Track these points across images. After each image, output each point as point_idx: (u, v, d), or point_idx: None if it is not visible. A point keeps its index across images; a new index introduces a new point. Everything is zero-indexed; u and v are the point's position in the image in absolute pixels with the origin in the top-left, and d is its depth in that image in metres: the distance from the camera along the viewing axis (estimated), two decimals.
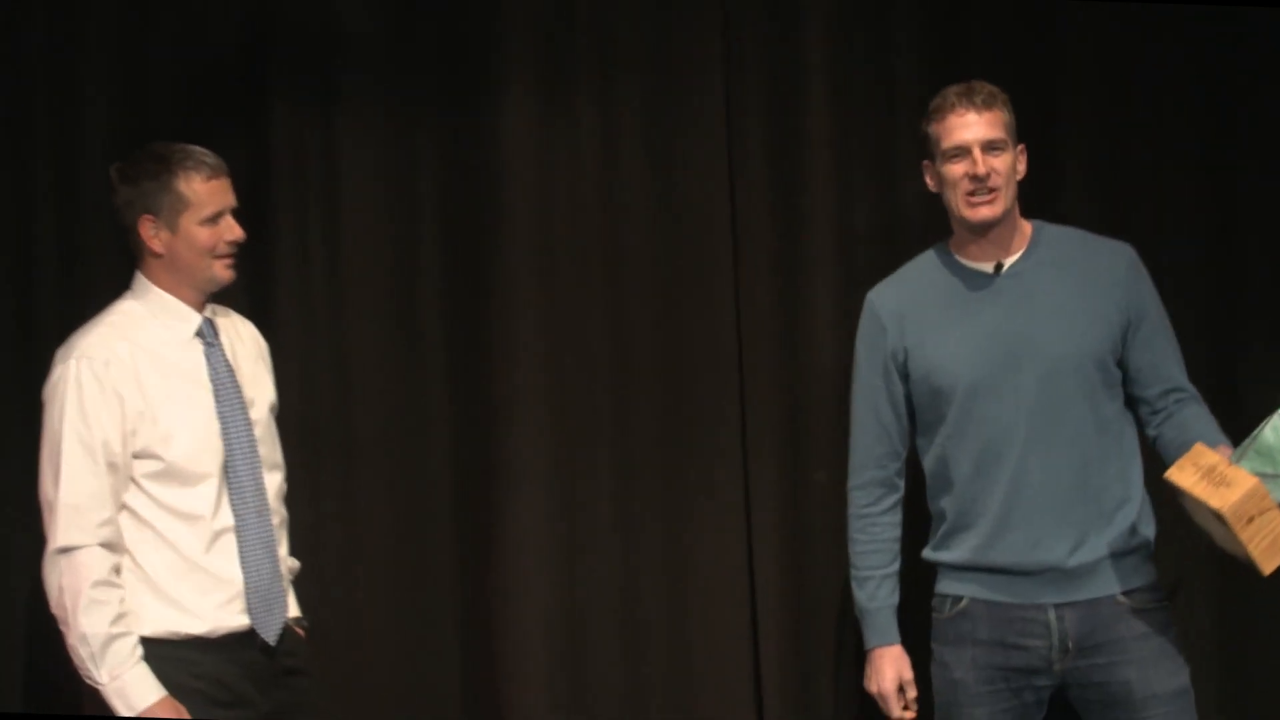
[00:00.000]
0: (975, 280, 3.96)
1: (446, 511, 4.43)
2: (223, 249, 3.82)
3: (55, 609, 3.69)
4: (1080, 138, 4.48)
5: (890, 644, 4.03)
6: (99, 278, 4.21)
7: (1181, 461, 3.75)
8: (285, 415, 4.04)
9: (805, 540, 4.45)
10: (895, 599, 4.05)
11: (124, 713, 3.66)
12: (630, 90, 4.44)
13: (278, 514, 3.89)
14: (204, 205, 3.78)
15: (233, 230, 3.82)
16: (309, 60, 4.38)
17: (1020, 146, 3.96)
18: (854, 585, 4.08)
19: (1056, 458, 3.88)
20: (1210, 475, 3.69)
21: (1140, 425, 3.99)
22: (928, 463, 4.03)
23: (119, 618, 3.66)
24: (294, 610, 3.94)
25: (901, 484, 4.06)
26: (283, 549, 3.91)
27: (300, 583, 4.01)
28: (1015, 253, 3.97)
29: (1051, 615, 3.88)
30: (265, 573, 3.81)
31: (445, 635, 4.42)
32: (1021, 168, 3.96)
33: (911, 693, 4.03)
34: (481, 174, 4.42)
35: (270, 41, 4.36)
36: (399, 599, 4.41)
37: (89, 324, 3.81)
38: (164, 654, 3.70)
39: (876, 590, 4.04)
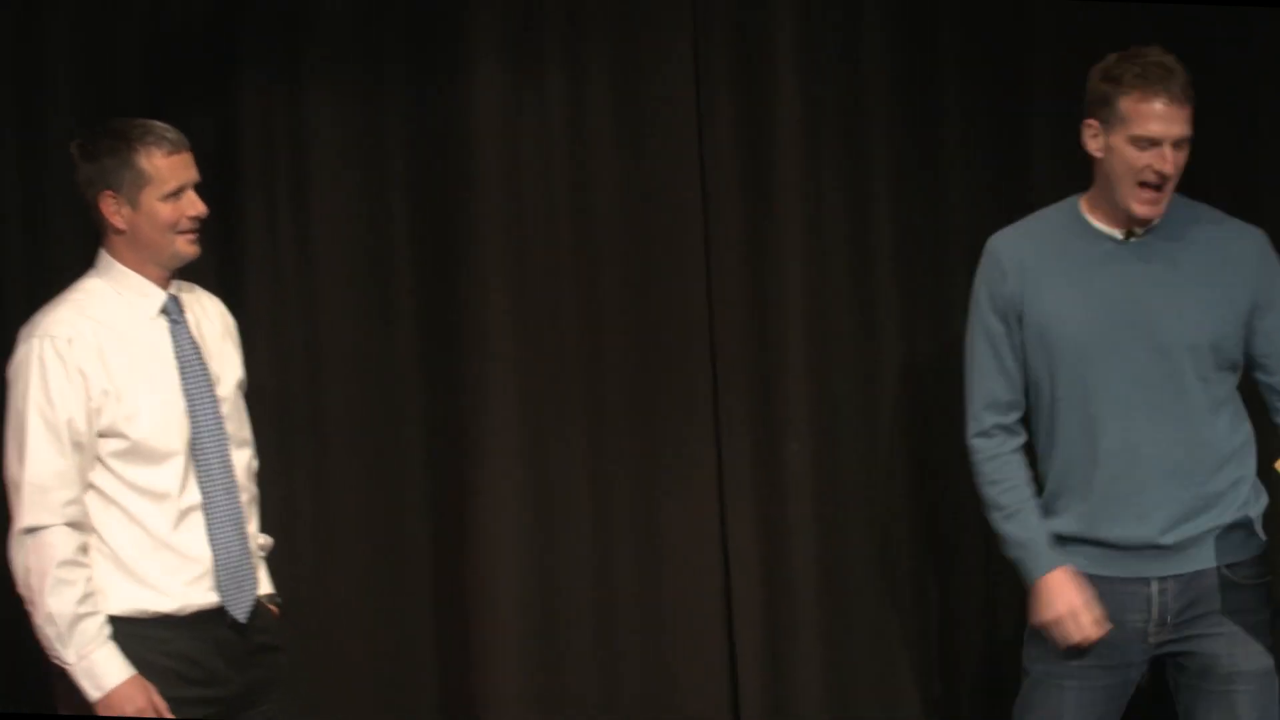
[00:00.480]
0: (1102, 244, 3.86)
1: (419, 488, 4.43)
2: (185, 224, 3.78)
3: (21, 589, 3.66)
4: (1047, 122, 4.44)
5: (1059, 565, 3.87)
6: (65, 254, 4.21)
7: None
8: (255, 393, 4.02)
9: (779, 512, 4.45)
10: (1046, 526, 3.92)
11: (92, 693, 3.64)
12: (599, 63, 4.42)
13: (247, 491, 3.87)
14: (165, 181, 3.74)
15: (195, 205, 3.79)
16: (276, 33, 4.37)
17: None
18: (1003, 524, 3.91)
19: (1166, 433, 3.80)
20: None
21: (1271, 412, 3.91)
22: (1035, 424, 3.94)
23: (86, 597, 3.64)
24: (267, 587, 3.92)
25: (1024, 435, 3.95)
26: (252, 526, 3.88)
27: (272, 560, 3.99)
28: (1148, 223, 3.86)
29: (1154, 588, 3.83)
30: (234, 550, 3.79)
31: (419, 612, 4.43)
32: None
33: (1098, 613, 3.86)
34: (451, 147, 4.41)
35: (237, 15, 4.35)
36: (372, 576, 4.42)
37: (53, 302, 3.79)
38: (133, 632, 3.68)
39: (1028, 520, 3.89)
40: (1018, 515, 3.91)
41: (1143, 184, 3.78)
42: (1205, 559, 3.83)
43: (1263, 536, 3.88)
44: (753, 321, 4.45)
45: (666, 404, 4.44)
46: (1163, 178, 3.77)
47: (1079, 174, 4.38)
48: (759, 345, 4.45)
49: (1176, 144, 3.76)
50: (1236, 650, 3.82)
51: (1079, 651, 3.85)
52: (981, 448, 3.95)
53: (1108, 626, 3.84)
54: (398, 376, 4.42)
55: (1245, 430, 3.88)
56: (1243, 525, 3.85)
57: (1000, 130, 4.40)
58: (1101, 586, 3.85)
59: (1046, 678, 3.90)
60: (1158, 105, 3.75)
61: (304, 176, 4.38)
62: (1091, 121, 3.83)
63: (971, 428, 3.96)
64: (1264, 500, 3.90)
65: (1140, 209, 3.80)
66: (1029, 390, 3.92)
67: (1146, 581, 3.83)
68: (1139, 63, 3.78)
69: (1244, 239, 3.87)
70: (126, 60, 4.31)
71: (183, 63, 4.32)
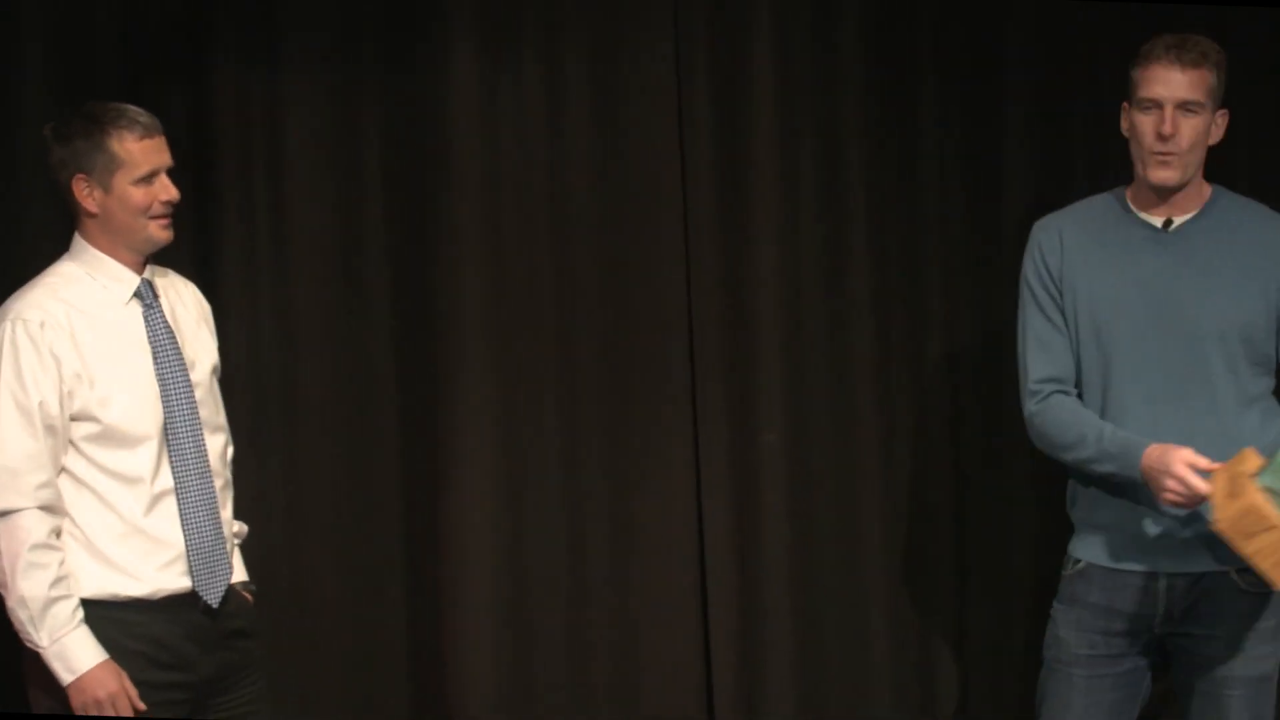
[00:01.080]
0: (1143, 232, 3.87)
1: (392, 475, 4.44)
2: (158, 209, 3.78)
3: None
4: (1022, 113, 4.48)
5: (1149, 444, 3.76)
6: (37, 239, 4.20)
7: (1226, 464, 3.67)
8: (230, 377, 4.03)
9: (755, 502, 4.47)
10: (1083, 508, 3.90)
11: (65, 676, 3.64)
12: (577, 49, 4.43)
13: (221, 476, 3.86)
14: (138, 165, 3.74)
15: (168, 190, 3.78)
16: (252, 18, 4.36)
17: (1222, 111, 3.84)
18: (1082, 445, 3.82)
19: (1189, 424, 3.79)
20: (1232, 484, 3.63)
21: None
22: None
23: (58, 580, 3.64)
24: (240, 574, 3.91)
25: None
26: (226, 512, 3.88)
27: (245, 546, 3.99)
28: (1188, 213, 3.86)
29: (1163, 584, 3.82)
30: (207, 535, 3.79)
31: (391, 599, 4.44)
32: (1218, 133, 3.84)
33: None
34: (426, 134, 4.41)
35: (213, 2, 4.35)
36: (344, 563, 4.43)
37: (26, 286, 3.78)
38: (104, 616, 3.69)
39: (1103, 428, 3.82)
40: (1093, 437, 3.83)
41: (1154, 151, 3.80)
42: (1217, 560, 3.80)
43: None
44: (729, 312, 4.46)
45: (643, 393, 4.45)
46: (1163, 139, 3.78)
47: (1051, 163, 4.44)
48: (735, 336, 4.46)
49: (1181, 106, 3.78)
50: (1234, 655, 3.82)
51: (1085, 643, 3.88)
52: (1038, 410, 3.90)
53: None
54: (371, 363, 4.42)
55: (1277, 431, 3.84)
56: None
57: (975, 120, 4.42)
58: (1114, 579, 3.86)
59: (1057, 665, 3.92)
60: (1158, 69, 3.79)
61: (279, 162, 4.38)
62: (1125, 105, 3.87)
63: (1028, 403, 3.92)
64: None
65: (1152, 173, 3.81)
66: None
67: (1156, 576, 3.83)
68: (1154, 40, 3.83)
69: None
70: (103, 45, 4.31)
71: (158, 48, 4.32)
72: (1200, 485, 3.68)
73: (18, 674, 4.03)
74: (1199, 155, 3.83)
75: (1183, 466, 3.70)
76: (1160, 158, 3.80)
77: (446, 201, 4.41)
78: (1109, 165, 4.34)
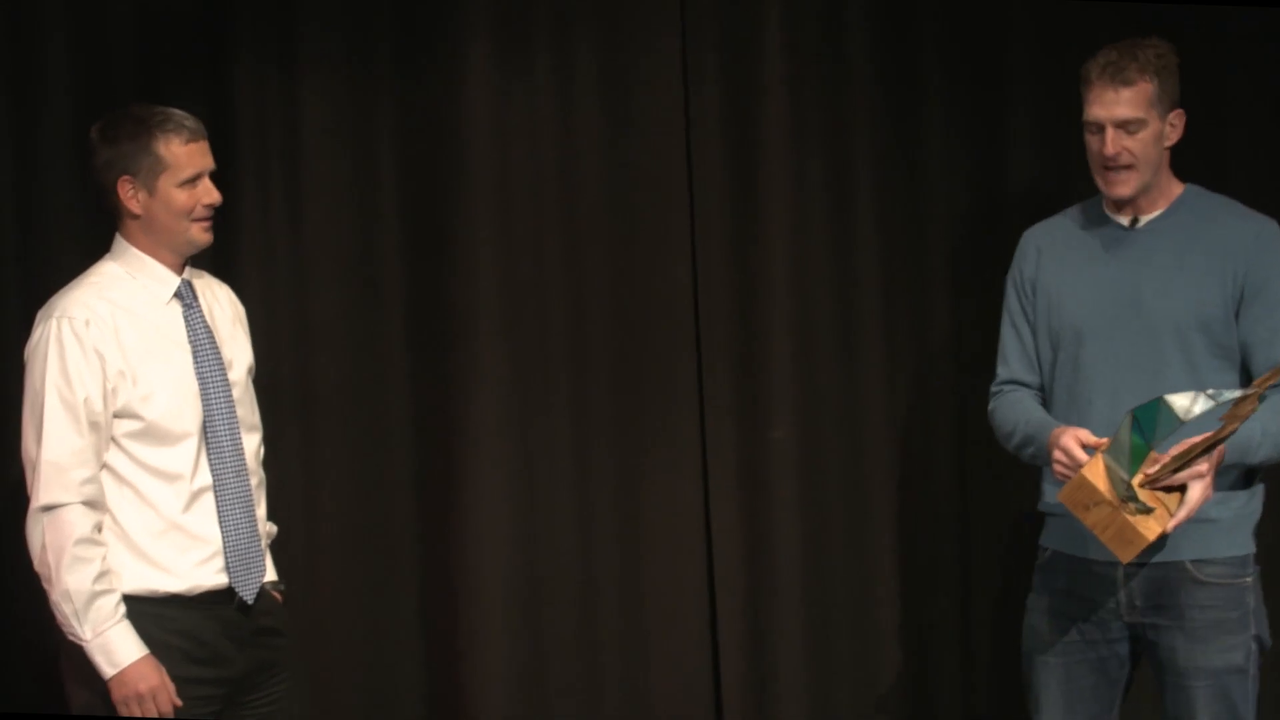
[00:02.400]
0: (1112, 232, 3.95)
1: (406, 472, 4.49)
2: (200, 211, 3.83)
3: (39, 566, 3.70)
4: (1026, 117, 4.55)
5: (1057, 425, 3.88)
6: (62, 241, 4.27)
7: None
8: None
9: (764, 498, 4.53)
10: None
11: (107, 670, 3.69)
12: (588, 51, 4.48)
13: (256, 475, 3.92)
14: (182, 168, 3.79)
15: (210, 194, 3.84)
16: (270, 20, 4.41)
17: (1175, 113, 3.87)
18: (1014, 433, 3.96)
19: None
20: (1092, 458, 3.71)
21: None
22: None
23: (102, 575, 3.69)
24: (271, 574, 3.96)
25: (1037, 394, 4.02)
26: (261, 510, 3.93)
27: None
28: (1154, 211, 3.92)
29: (1120, 574, 3.88)
30: (243, 532, 3.84)
31: (405, 594, 4.49)
32: (1170, 133, 3.88)
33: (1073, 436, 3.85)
34: (440, 134, 4.46)
35: (231, 2, 4.39)
36: (358, 559, 4.48)
37: (70, 285, 3.83)
38: (142, 611, 3.73)
39: (1030, 414, 3.94)
40: (1021, 423, 3.95)
41: (1104, 168, 3.88)
42: (1173, 552, 3.85)
43: (1249, 539, 3.90)
44: (737, 309, 4.52)
45: (652, 391, 4.51)
46: (1107, 160, 3.85)
47: (1055, 167, 4.51)
48: (743, 333, 4.52)
49: (1121, 126, 3.84)
50: (1195, 646, 3.85)
51: (1058, 629, 3.94)
52: (992, 406, 4.04)
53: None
54: (386, 360, 4.47)
55: None
56: (1220, 523, 3.87)
57: (979, 123, 4.49)
58: (1077, 566, 3.93)
59: (1035, 655, 3.99)
60: (1096, 90, 3.86)
61: (296, 162, 4.43)
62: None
63: (989, 402, 4.06)
64: (1256, 503, 3.92)
65: (1107, 190, 3.90)
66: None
67: (1115, 566, 3.87)
68: (1092, 59, 3.89)
69: (1245, 225, 3.90)
70: (120, 47, 4.34)
71: (177, 49, 4.36)
72: (1082, 457, 3.75)
73: (21, 675, 4.08)
74: (1155, 162, 3.88)
75: (1070, 439, 3.79)
76: (1110, 175, 3.88)
77: (459, 203, 4.47)
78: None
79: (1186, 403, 3.66)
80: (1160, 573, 3.87)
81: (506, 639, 4.49)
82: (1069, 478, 3.75)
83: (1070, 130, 4.45)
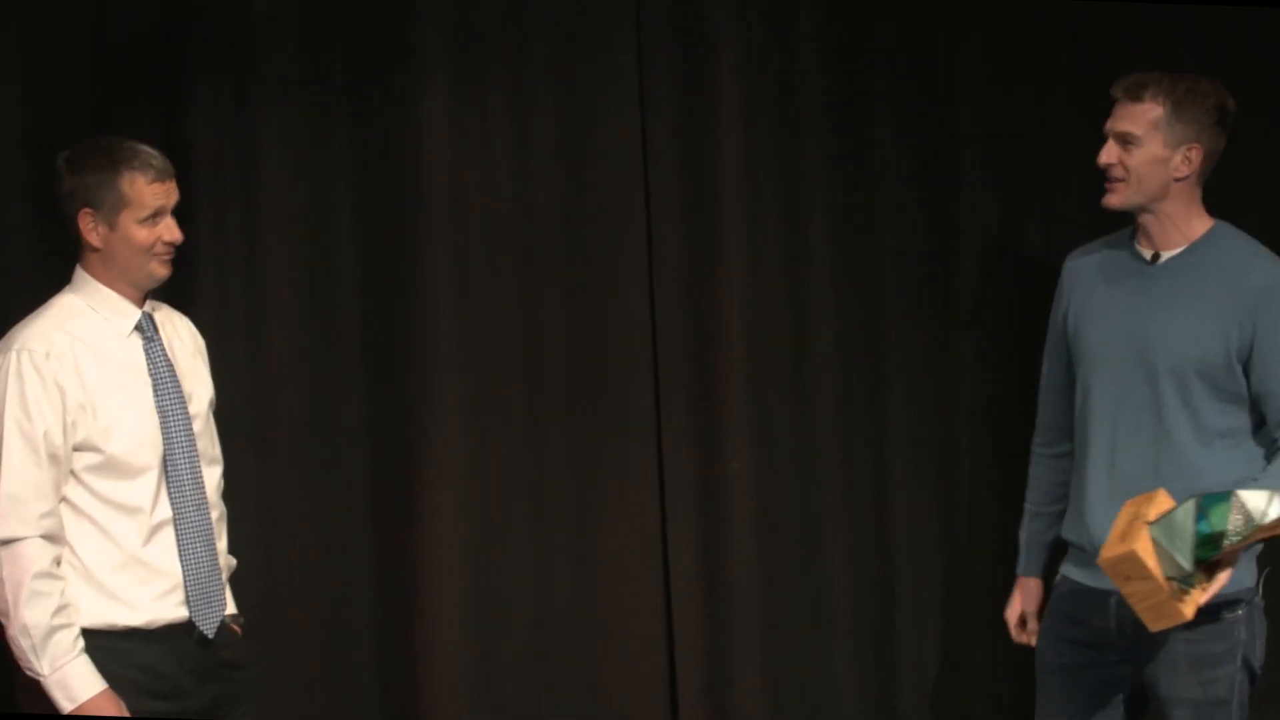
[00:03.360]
0: (1136, 265, 3.98)
1: (363, 505, 4.46)
2: (160, 249, 3.83)
3: None
4: (976, 125, 4.59)
5: (1024, 575, 4.19)
6: (15, 270, 4.24)
7: (1137, 499, 3.77)
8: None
9: (721, 531, 4.53)
10: (1047, 536, 4.16)
11: (65, 705, 3.67)
12: (544, 83, 4.48)
13: (216, 508, 3.91)
14: (145, 205, 3.78)
15: (171, 230, 3.83)
16: (224, 51, 4.39)
17: (1191, 147, 3.90)
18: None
19: (1141, 454, 3.89)
20: (1130, 523, 3.72)
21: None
22: None
23: (61, 609, 3.67)
24: (231, 607, 3.95)
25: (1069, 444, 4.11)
26: (222, 543, 3.93)
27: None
28: (1175, 248, 3.95)
29: (1112, 602, 3.91)
30: (204, 566, 3.83)
31: (362, 626, 4.46)
32: (1181, 165, 3.91)
33: (1033, 625, 4.17)
34: (396, 165, 4.45)
35: (185, 33, 4.37)
36: (315, 591, 4.44)
37: (29, 317, 3.81)
38: (101, 645, 3.72)
39: (1030, 524, 4.19)
40: (1025, 515, 4.22)
41: (1105, 179, 3.96)
42: None
43: (1246, 575, 3.89)
44: (694, 342, 4.53)
45: (609, 423, 4.51)
46: (1102, 169, 3.93)
47: (1006, 206, 4.56)
48: (700, 365, 4.53)
49: (1118, 137, 3.91)
50: (1177, 677, 3.89)
51: (1057, 652, 4.03)
52: (1034, 444, 4.19)
53: (1031, 638, 4.15)
54: (342, 393, 4.45)
55: (1247, 467, 3.88)
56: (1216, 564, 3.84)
57: (933, 154, 4.52)
58: (1079, 591, 4.00)
59: (1040, 675, 4.07)
60: (1115, 104, 3.94)
61: (252, 195, 4.41)
62: None
63: (1035, 433, 4.20)
64: (1253, 549, 3.92)
65: (1104, 198, 3.97)
66: None
67: (1108, 594, 3.91)
68: (1129, 76, 3.96)
69: (1261, 273, 3.90)
70: (74, 80, 4.32)
71: (131, 82, 4.34)
72: (1018, 638, 4.18)
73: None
74: (1151, 186, 3.91)
75: (1013, 614, 4.20)
76: (1107, 184, 3.95)
77: (416, 234, 4.45)
78: (1063, 193, 4.52)
79: (1262, 505, 3.66)
80: None
81: (464, 672, 4.47)
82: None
83: (1021, 170, 4.54)
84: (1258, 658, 3.93)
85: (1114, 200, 3.94)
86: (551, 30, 4.48)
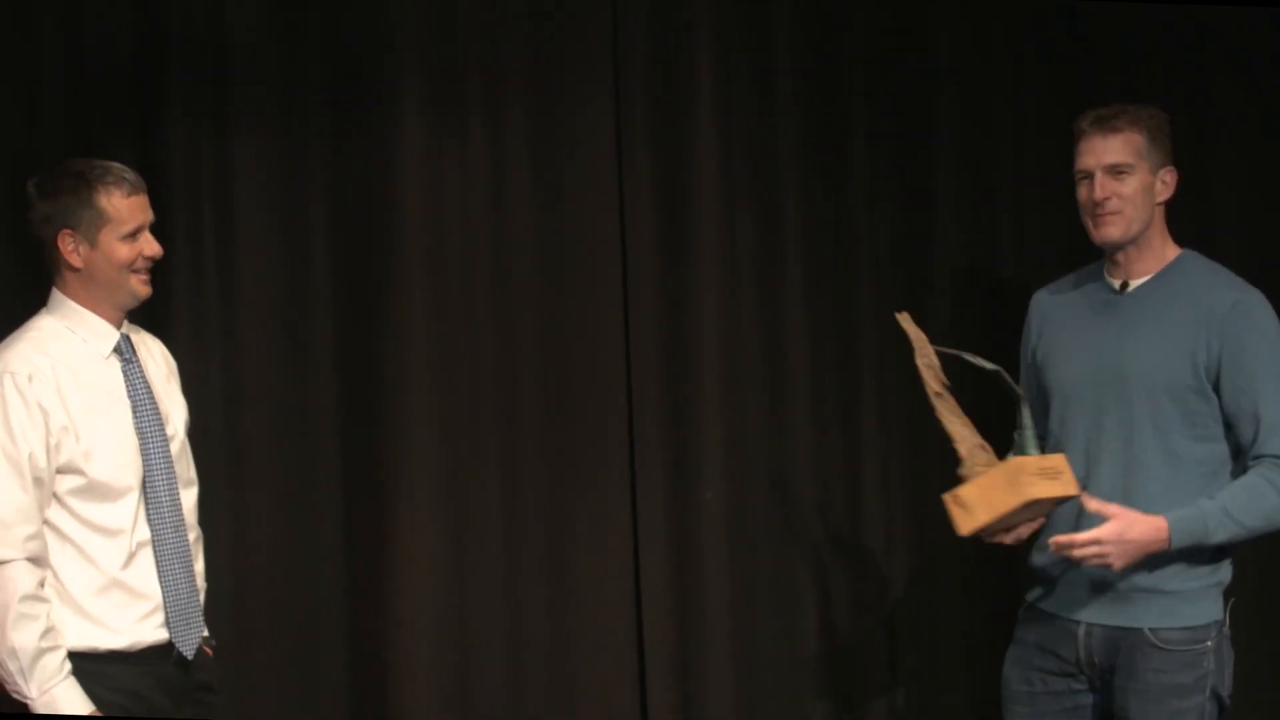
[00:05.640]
0: (1105, 295, 4.04)
1: (336, 529, 4.48)
2: (141, 264, 3.83)
3: None
4: (951, 176, 4.66)
5: None
6: None
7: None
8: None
9: (694, 559, 4.56)
10: None
11: None
12: (519, 111, 4.51)
13: (193, 530, 3.91)
14: (124, 221, 3.79)
15: (151, 245, 3.84)
16: (201, 79, 4.40)
17: (1166, 170, 3.98)
18: None
19: (1113, 479, 3.94)
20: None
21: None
22: None
23: (47, 632, 3.66)
24: (204, 629, 3.94)
25: None
26: (199, 564, 3.93)
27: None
28: (1145, 275, 4.01)
29: (1082, 631, 3.96)
30: (182, 587, 3.83)
31: (334, 650, 4.47)
32: (1162, 189, 3.98)
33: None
34: (372, 192, 4.48)
35: (161, 58, 4.38)
36: (287, 615, 4.45)
37: (8, 340, 3.80)
38: (82, 668, 3.70)
39: None
40: None
41: (1093, 214, 3.98)
42: (1134, 618, 3.93)
43: (1215, 607, 3.94)
44: (669, 371, 4.56)
45: (583, 451, 4.53)
46: (1096, 204, 3.95)
47: (980, 226, 4.63)
48: (674, 394, 4.56)
49: (1109, 170, 3.95)
50: (1147, 707, 3.92)
51: (1024, 680, 4.03)
52: None
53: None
54: (316, 418, 4.46)
55: (1215, 490, 3.92)
56: (1183, 594, 3.92)
57: (906, 184, 4.60)
58: (1045, 620, 4.02)
59: (1005, 704, 4.08)
60: (1085, 142, 3.99)
61: (228, 221, 4.42)
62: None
63: None
64: (1224, 573, 3.97)
65: (1096, 234, 4.00)
66: None
67: (1076, 623, 3.97)
68: (1088, 115, 4.01)
69: (1223, 295, 3.95)
70: (50, 105, 4.32)
71: (107, 107, 4.34)
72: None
73: None
74: (1143, 213, 3.97)
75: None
76: (1100, 218, 3.97)
77: (390, 262, 4.47)
78: (1037, 217, 4.60)
79: None
80: (1119, 634, 3.95)
81: (437, 693, 4.48)
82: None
83: (996, 194, 4.62)
84: (1226, 687, 3.97)
85: (1115, 233, 3.96)
86: (528, 57, 4.51)
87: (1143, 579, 3.92)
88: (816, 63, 4.62)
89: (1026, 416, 3.95)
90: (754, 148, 4.59)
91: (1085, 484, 3.95)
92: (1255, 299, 3.98)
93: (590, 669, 4.54)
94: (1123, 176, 3.96)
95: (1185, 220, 4.53)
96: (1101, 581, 3.94)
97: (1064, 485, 3.89)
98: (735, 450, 4.56)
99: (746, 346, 4.58)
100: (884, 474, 4.65)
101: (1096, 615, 3.96)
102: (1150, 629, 3.93)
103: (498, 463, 4.52)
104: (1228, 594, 3.98)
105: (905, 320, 4.00)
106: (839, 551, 4.64)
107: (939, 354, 3.98)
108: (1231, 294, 3.96)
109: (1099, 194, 3.96)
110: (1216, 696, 3.96)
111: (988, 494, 3.90)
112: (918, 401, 4.21)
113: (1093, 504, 3.89)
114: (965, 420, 3.99)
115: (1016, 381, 4.05)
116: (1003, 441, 4.04)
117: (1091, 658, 3.97)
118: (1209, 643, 3.94)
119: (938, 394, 3.98)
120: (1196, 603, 3.94)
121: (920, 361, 3.98)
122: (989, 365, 3.94)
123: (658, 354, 4.56)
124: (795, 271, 4.59)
